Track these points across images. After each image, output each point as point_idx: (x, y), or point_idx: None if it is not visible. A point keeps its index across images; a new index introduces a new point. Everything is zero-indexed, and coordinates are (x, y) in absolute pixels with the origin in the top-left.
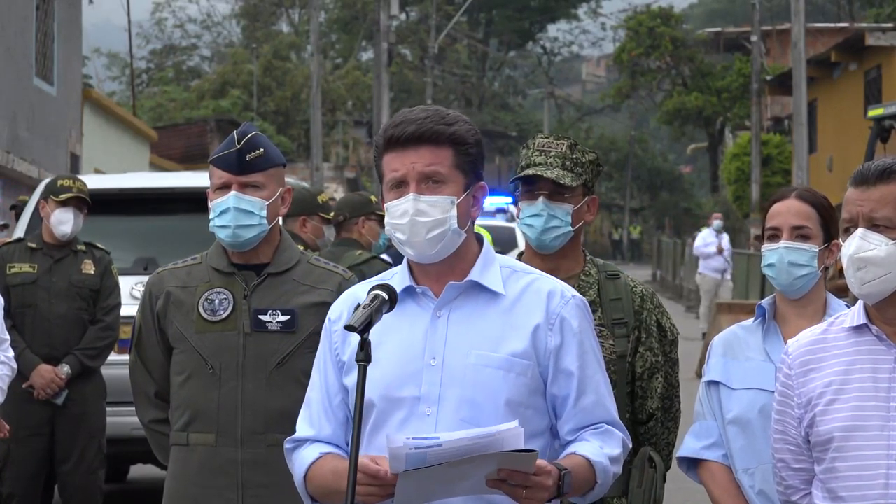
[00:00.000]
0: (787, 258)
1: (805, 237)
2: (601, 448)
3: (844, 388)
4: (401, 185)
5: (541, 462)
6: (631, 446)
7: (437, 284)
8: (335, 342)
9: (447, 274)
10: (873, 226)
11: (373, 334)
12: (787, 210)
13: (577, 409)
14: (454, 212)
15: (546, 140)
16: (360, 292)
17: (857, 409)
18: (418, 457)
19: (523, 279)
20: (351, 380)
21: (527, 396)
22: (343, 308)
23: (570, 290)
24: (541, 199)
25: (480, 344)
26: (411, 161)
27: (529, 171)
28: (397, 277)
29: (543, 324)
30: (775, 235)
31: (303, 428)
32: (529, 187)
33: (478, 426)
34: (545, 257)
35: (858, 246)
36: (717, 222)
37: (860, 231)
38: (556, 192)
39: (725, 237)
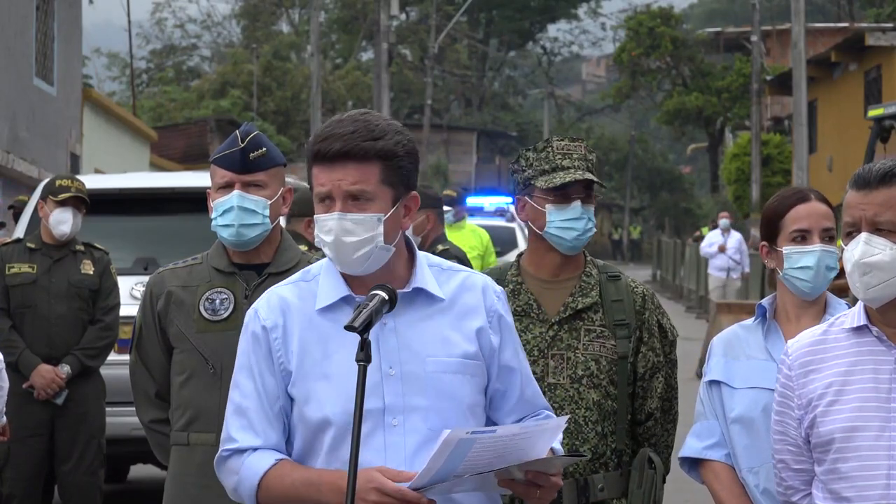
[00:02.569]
0: (825, 262)
1: (832, 239)
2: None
3: (845, 388)
4: (325, 200)
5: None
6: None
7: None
8: (277, 350)
9: (384, 282)
10: (877, 230)
11: (317, 346)
12: (815, 212)
13: (522, 402)
14: (380, 229)
15: (564, 143)
16: (285, 293)
17: (857, 409)
18: (467, 443)
19: (455, 277)
20: (304, 388)
21: (478, 395)
22: (275, 316)
23: (495, 284)
24: (577, 202)
25: (434, 350)
26: (337, 178)
27: (576, 175)
28: (327, 282)
29: (485, 322)
30: (803, 237)
31: (242, 437)
32: (563, 191)
33: None
34: (550, 260)
35: (864, 251)
36: (723, 221)
37: (864, 235)
38: (588, 195)
39: (734, 235)
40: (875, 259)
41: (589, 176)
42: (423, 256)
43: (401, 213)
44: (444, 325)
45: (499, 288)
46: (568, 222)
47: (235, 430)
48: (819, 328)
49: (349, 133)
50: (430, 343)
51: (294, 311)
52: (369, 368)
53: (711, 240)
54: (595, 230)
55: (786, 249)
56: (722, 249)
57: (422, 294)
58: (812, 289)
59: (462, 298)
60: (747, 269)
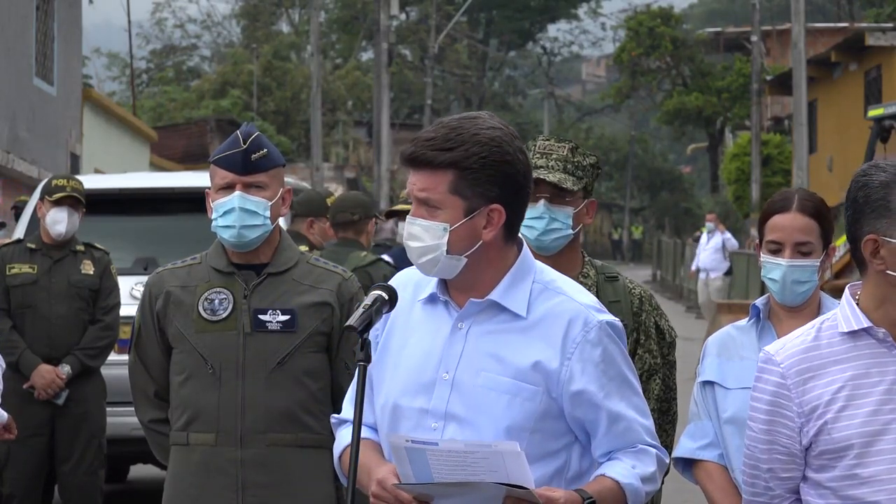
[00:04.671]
0: (791, 276)
1: (807, 253)
2: (633, 468)
3: (856, 393)
4: (410, 202)
5: (551, 494)
6: (668, 461)
7: (461, 297)
8: (375, 328)
9: (469, 288)
10: None
11: (400, 333)
12: (790, 225)
13: (610, 436)
14: (445, 238)
15: (547, 143)
16: (413, 275)
17: (873, 413)
18: (418, 453)
19: (551, 300)
20: (378, 374)
21: (534, 421)
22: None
23: (595, 316)
24: (542, 202)
25: (491, 365)
26: (412, 182)
27: (538, 174)
28: (432, 279)
29: (559, 353)
30: (777, 249)
31: (346, 408)
32: None
33: None
34: (543, 259)
35: None
36: (708, 224)
37: None
38: (557, 195)
39: (717, 237)
40: None
41: (551, 177)
42: (534, 268)
43: (478, 225)
44: (514, 342)
45: (597, 320)
46: (530, 221)
47: (345, 401)
48: (808, 334)
49: (428, 139)
50: (490, 357)
51: (406, 293)
52: (429, 366)
53: (702, 243)
54: (567, 232)
55: (762, 257)
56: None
57: (504, 308)
58: (782, 299)
59: (545, 322)
60: (720, 272)
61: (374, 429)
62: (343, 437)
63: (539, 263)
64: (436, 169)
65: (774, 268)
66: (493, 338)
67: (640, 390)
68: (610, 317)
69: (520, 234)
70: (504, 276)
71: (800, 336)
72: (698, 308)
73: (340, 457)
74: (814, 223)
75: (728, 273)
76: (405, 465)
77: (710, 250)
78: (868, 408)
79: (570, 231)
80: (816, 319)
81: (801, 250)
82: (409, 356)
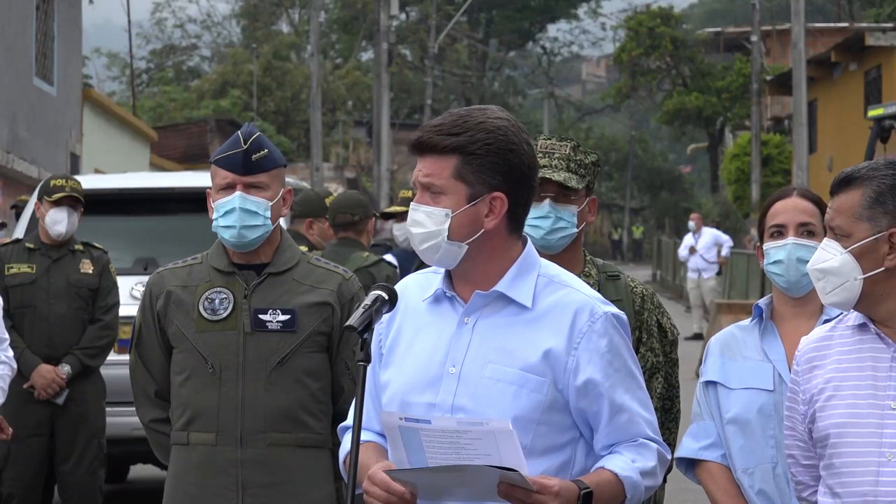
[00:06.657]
0: (796, 254)
1: (811, 233)
2: (633, 462)
3: (843, 384)
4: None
5: (546, 482)
6: (670, 457)
7: (466, 290)
8: (380, 333)
9: (475, 281)
10: (834, 235)
11: (407, 333)
12: (792, 207)
13: (611, 428)
14: (446, 224)
15: (549, 142)
16: (414, 279)
17: (852, 405)
18: (412, 433)
19: (557, 292)
20: (386, 375)
21: (540, 413)
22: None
23: (601, 307)
24: (547, 201)
25: (497, 357)
26: (418, 168)
27: (542, 174)
28: (439, 276)
29: (565, 343)
30: (780, 233)
31: (350, 415)
32: None
33: None
34: (545, 258)
35: (816, 257)
36: (690, 223)
37: (825, 241)
38: (562, 194)
39: (705, 235)
40: (826, 265)
41: (557, 176)
42: (538, 262)
43: (480, 212)
44: (520, 334)
45: (602, 311)
46: (535, 220)
47: (350, 409)
48: (830, 325)
49: (436, 125)
50: (497, 349)
51: (408, 297)
52: (436, 362)
53: (686, 243)
54: (572, 231)
55: (765, 246)
56: (692, 251)
57: (511, 300)
58: (787, 283)
59: (551, 314)
60: (713, 273)
61: (379, 434)
62: (345, 441)
63: (543, 259)
64: (441, 154)
65: (778, 250)
66: (500, 330)
67: (644, 384)
68: (615, 309)
69: (525, 234)
70: (509, 268)
71: (823, 328)
72: (698, 308)
73: (345, 460)
74: (814, 207)
75: (719, 273)
76: (399, 448)
77: (701, 250)
78: (848, 399)
79: (576, 229)
80: (842, 314)
81: (804, 230)
82: (415, 354)
